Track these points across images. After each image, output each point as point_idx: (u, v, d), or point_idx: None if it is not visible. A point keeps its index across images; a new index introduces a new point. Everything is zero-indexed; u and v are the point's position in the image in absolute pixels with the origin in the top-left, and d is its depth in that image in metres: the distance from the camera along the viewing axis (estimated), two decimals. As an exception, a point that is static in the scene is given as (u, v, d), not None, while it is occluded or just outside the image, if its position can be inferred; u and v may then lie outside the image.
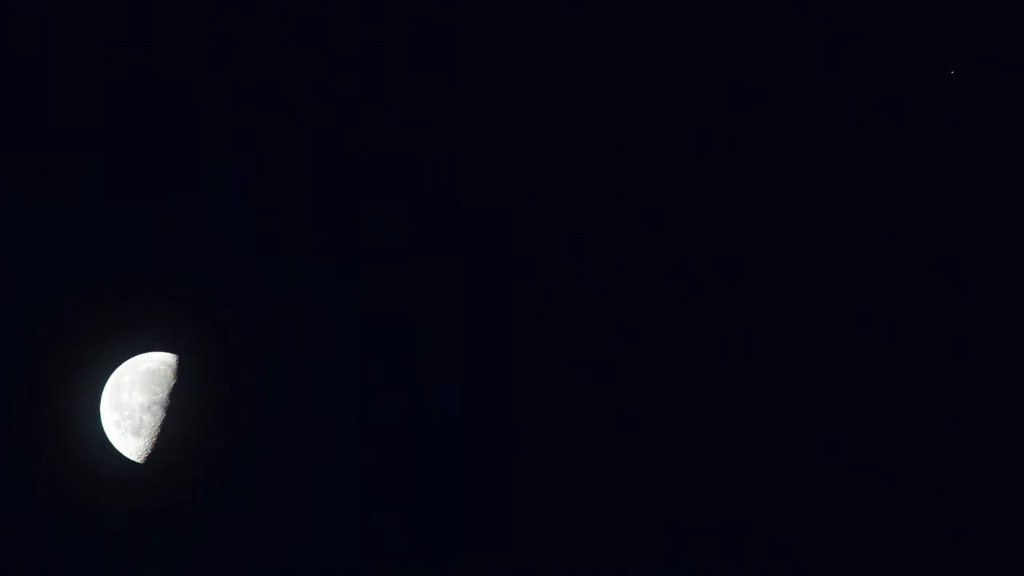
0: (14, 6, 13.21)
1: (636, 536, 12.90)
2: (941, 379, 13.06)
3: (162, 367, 12.96)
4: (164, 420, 12.84)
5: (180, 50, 13.36)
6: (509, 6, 13.43)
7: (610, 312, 13.23)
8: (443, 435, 13.10)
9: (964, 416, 12.98)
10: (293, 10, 13.38)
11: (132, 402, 12.88)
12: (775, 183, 13.36)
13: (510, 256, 13.31)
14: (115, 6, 13.30)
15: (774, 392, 13.08)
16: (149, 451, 12.86)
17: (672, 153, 13.40)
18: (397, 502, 13.01)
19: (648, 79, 13.45)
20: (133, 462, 12.90)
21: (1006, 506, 12.79)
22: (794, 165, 13.37)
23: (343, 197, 13.37)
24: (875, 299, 13.20)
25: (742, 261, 13.26)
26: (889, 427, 13.01)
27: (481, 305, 13.26)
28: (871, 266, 13.24)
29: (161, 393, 12.87)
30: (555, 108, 13.46)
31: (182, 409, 12.87)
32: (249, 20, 13.35)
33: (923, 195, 13.32)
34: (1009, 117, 13.30)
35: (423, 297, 13.24)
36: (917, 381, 13.06)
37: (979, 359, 13.06)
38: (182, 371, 12.95)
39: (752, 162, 13.38)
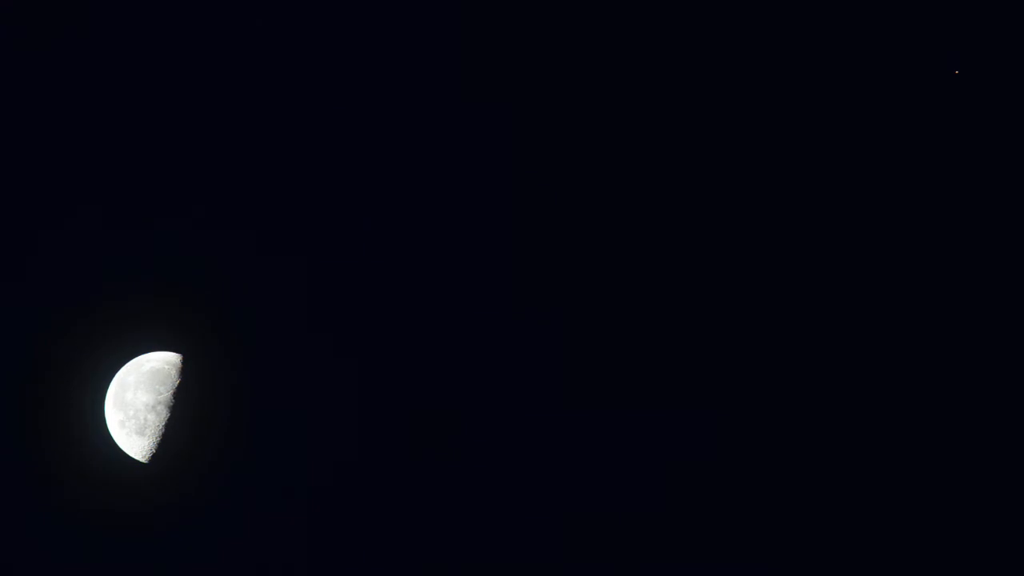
0: (12, 6, 13.23)
1: (636, 535, 12.97)
2: (941, 379, 13.10)
3: (166, 367, 13.01)
4: (168, 419, 12.89)
5: (180, 50, 13.37)
6: (509, 6, 13.44)
7: (610, 311, 13.27)
8: (443, 434, 13.15)
9: (964, 416, 13.03)
10: (291, 11, 13.40)
11: (136, 402, 12.93)
12: (775, 183, 13.39)
13: (509, 256, 13.35)
14: (114, 7, 13.33)
15: (774, 392, 13.13)
16: (153, 450, 12.92)
17: (672, 153, 13.42)
18: (399, 502, 13.07)
19: (648, 78, 13.47)
20: (138, 461, 12.96)
21: (1006, 506, 12.85)
22: (795, 165, 13.40)
23: (344, 197, 13.40)
24: (875, 299, 13.23)
25: (742, 261, 13.29)
26: (889, 427, 13.06)
27: (482, 305, 13.31)
28: (871, 266, 13.28)
29: (165, 393, 12.92)
30: (555, 108, 13.49)
31: (186, 408, 12.93)
32: (247, 21, 13.37)
33: (924, 195, 13.34)
34: (1010, 117, 13.33)
35: (425, 297, 13.28)
36: (917, 381, 13.10)
37: (979, 359, 13.11)
38: (186, 371, 13.00)
39: (752, 162, 13.40)
